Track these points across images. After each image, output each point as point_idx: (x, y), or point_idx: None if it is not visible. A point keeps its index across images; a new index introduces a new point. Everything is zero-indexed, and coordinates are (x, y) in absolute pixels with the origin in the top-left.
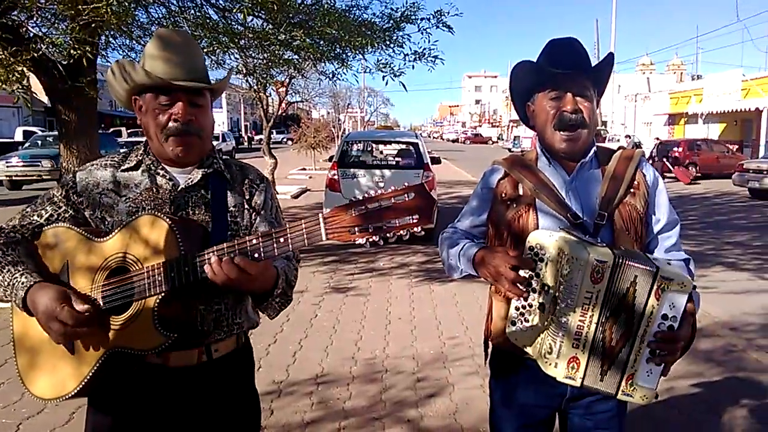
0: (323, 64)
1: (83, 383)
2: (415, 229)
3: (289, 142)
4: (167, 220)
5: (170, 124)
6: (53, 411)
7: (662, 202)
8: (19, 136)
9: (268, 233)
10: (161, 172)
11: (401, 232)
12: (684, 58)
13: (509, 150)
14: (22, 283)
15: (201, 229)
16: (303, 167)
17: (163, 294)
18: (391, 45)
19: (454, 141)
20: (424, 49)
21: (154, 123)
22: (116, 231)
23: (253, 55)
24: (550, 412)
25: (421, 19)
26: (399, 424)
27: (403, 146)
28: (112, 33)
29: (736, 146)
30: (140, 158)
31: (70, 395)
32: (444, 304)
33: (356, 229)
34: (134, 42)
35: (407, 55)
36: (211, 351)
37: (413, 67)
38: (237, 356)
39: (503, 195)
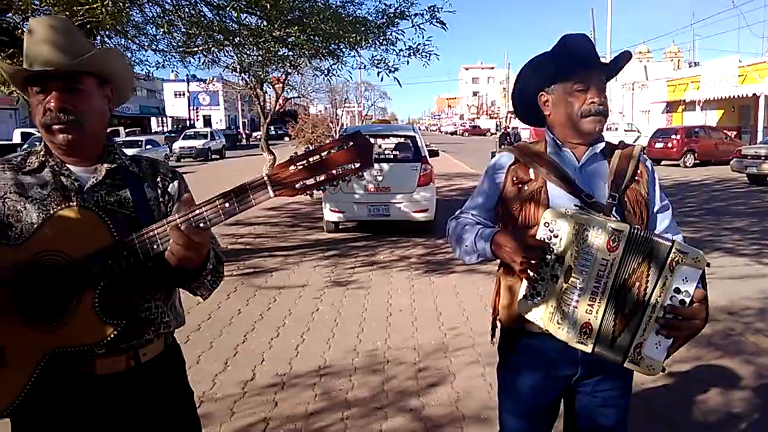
0: (318, 61)
1: (23, 392)
2: (359, 174)
3: (287, 138)
4: (93, 208)
5: (46, 114)
6: None
7: (657, 190)
8: (17, 138)
9: (211, 200)
10: (66, 173)
11: (345, 178)
12: (681, 45)
13: None
14: None
15: (126, 216)
16: None
17: (103, 284)
18: (385, 41)
19: (452, 133)
20: (419, 44)
21: (37, 115)
22: (35, 231)
23: (248, 52)
24: (557, 393)
25: (415, 15)
26: (401, 413)
27: (401, 140)
28: (107, 33)
29: (735, 132)
30: (43, 159)
31: (7, 409)
32: (444, 295)
33: (302, 182)
34: (129, 41)
35: (401, 50)
36: (139, 355)
37: (408, 62)
38: (165, 358)
39: (514, 179)
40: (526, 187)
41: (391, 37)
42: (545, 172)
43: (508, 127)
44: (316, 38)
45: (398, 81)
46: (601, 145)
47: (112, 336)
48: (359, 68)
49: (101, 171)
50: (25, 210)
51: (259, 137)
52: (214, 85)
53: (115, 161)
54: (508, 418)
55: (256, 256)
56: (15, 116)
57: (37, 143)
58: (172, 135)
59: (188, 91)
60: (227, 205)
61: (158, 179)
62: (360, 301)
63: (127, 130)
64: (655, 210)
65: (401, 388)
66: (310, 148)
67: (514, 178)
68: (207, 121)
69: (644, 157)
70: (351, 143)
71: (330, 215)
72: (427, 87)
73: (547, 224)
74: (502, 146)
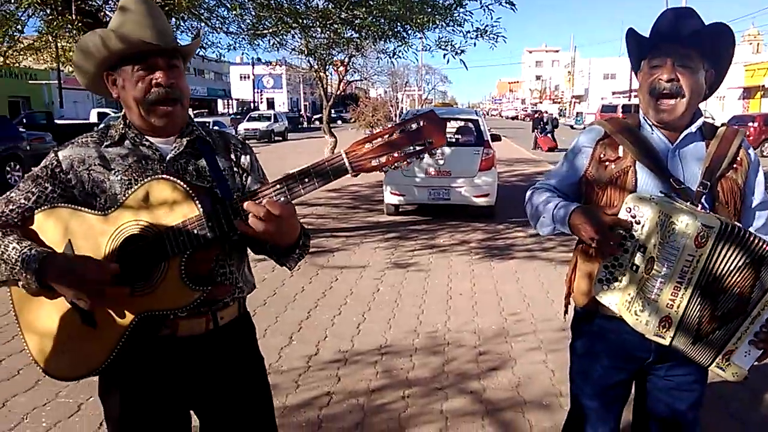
0: (383, 43)
1: (114, 352)
2: (432, 151)
3: (339, 122)
4: (179, 181)
5: (153, 90)
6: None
7: (759, 182)
8: (93, 118)
9: (290, 175)
10: (146, 144)
11: (419, 155)
12: (761, 27)
13: (571, 127)
14: (33, 256)
15: (207, 189)
16: None
17: (190, 251)
18: (452, 22)
19: (513, 118)
20: (486, 26)
21: (134, 92)
22: (122, 201)
23: (314, 35)
24: (629, 375)
25: None
26: (462, 395)
27: (463, 123)
28: (182, 15)
29: None
30: (123, 132)
31: (99, 367)
32: (505, 280)
33: (377, 159)
34: (202, 24)
35: (468, 32)
36: (218, 318)
37: (475, 44)
38: (240, 323)
39: (602, 156)
40: (612, 166)
41: (458, 18)
42: (635, 151)
43: (545, 112)
44: (382, 20)
45: (464, 63)
46: (698, 123)
47: (198, 301)
48: (423, 50)
49: (182, 142)
50: (108, 181)
51: (314, 119)
52: (280, 66)
53: (193, 133)
54: (580, 397)
55: (319, 236)
56: (92, 97)
57: (112, 122)
58: (237, 117)
59: (253, 74)
60: (307, 180)
61: (230, 150)
62: (420, 283)
63: (195, 112)
64: (753, 205)
65: (461, 370)
66: (383, 128)
67: (602, 155)
68: (270, 104)
69: (747, 143)
70: (424, 122)
71: (390, 198)
72: (488, 71)
73: (629, 209)
74: (535, 131)
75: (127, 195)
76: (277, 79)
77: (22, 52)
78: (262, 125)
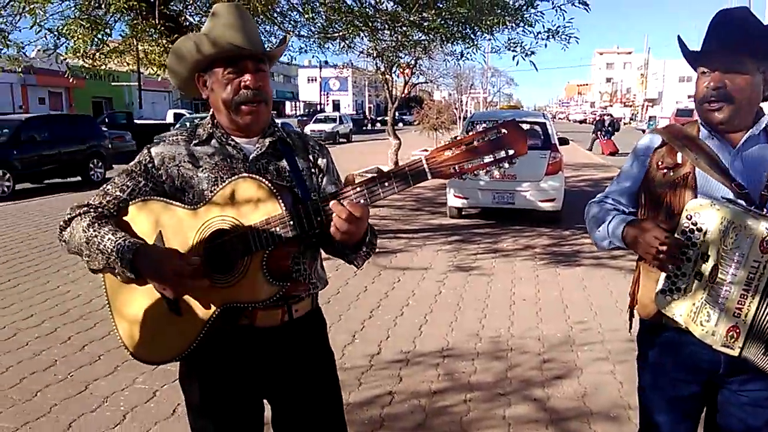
0: (451, 45)
1: (197, 340)
2: (512, 161)
3: (401, 124)
4: (265, 180)
5: (241, 92)
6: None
7: None
8: (170, 118)
9: (371, 179)
10: (232, 143)
11: (499, 165)
12: None
13: (643, 132)
14: (128, 247)
15: (288, 189)
16: (425, 148)
17: (271, 247)
18: (523, 23)
19: (581, 122)
20: (558, 26)
21: (223, 94)
22: (210, 197)
23: (383, 37)
24: (699, 387)
25: None
26: (525, 402)
27: (531, 126)
28: (258, 19)
29: None
30: (210, 131)
31: (183, 353)
32: (571, 287)
33: (456, 166)
34: (275, 27)
35: (539, 33)
36: (292, 311)
37: (546, 45)
38: (312, 317)
39: (660, 163)
40: (671, 173)
41: (529, 18)
42: (694, 157)
43: (606, 114)
44: (451, 22)
45: (534, 65)
46: (762, 124)
47: (277, 295)
48: (492, 52)
49: (264, 143)
50: (196, 177)
51: (375, 120)
52: (347, 69)
53: (275, 134)
54: (649, 412)
55: (382, 237)
56: (168, 98)
57: (188, 123)
58: (304, 118)
59: (320, 77)
60: (387, 184)
61: (309, 152)
62: (482, 287)
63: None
64: None
65: (525, 377)
66: (464, 135)
67: (660, 162)
68: (336, 106)
69: None
70: (504, 131)
71: (454, 201)
72: (555, 73)
73: (689, 216)
74: (597, 134)
75: (214, 191)
76: (343, 81)
77: (108, 55)
78: (327, 127)
